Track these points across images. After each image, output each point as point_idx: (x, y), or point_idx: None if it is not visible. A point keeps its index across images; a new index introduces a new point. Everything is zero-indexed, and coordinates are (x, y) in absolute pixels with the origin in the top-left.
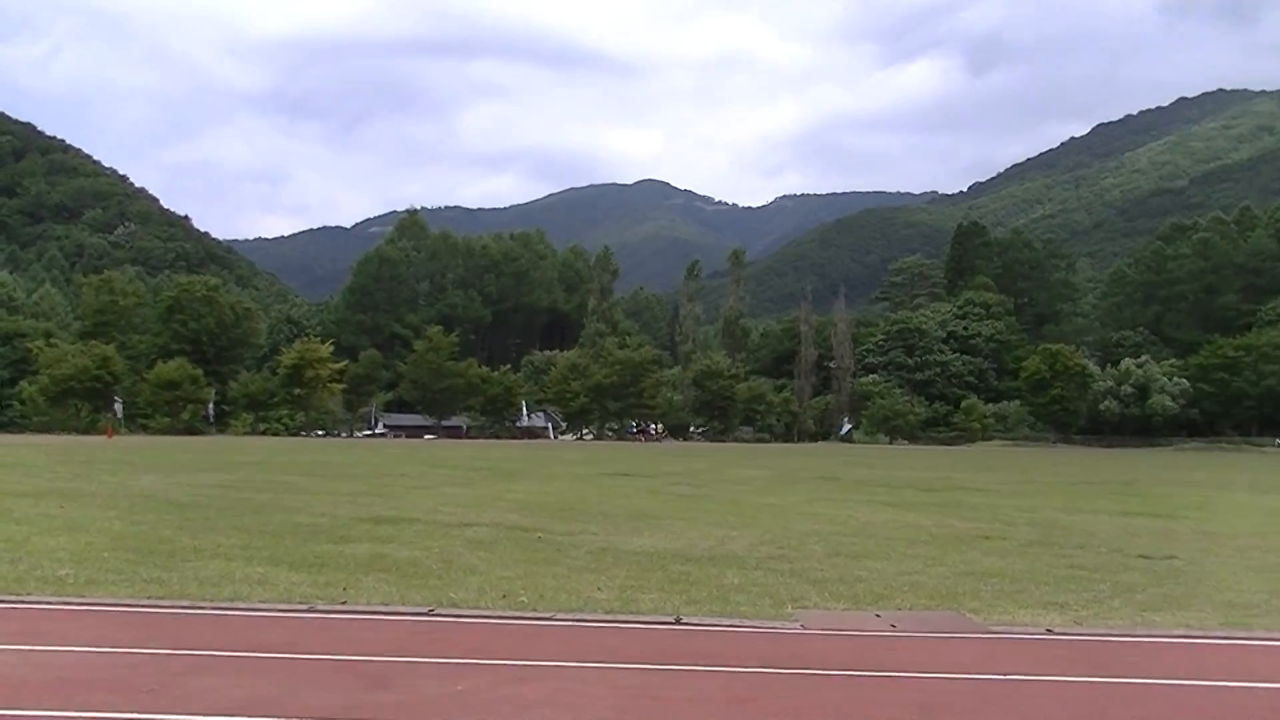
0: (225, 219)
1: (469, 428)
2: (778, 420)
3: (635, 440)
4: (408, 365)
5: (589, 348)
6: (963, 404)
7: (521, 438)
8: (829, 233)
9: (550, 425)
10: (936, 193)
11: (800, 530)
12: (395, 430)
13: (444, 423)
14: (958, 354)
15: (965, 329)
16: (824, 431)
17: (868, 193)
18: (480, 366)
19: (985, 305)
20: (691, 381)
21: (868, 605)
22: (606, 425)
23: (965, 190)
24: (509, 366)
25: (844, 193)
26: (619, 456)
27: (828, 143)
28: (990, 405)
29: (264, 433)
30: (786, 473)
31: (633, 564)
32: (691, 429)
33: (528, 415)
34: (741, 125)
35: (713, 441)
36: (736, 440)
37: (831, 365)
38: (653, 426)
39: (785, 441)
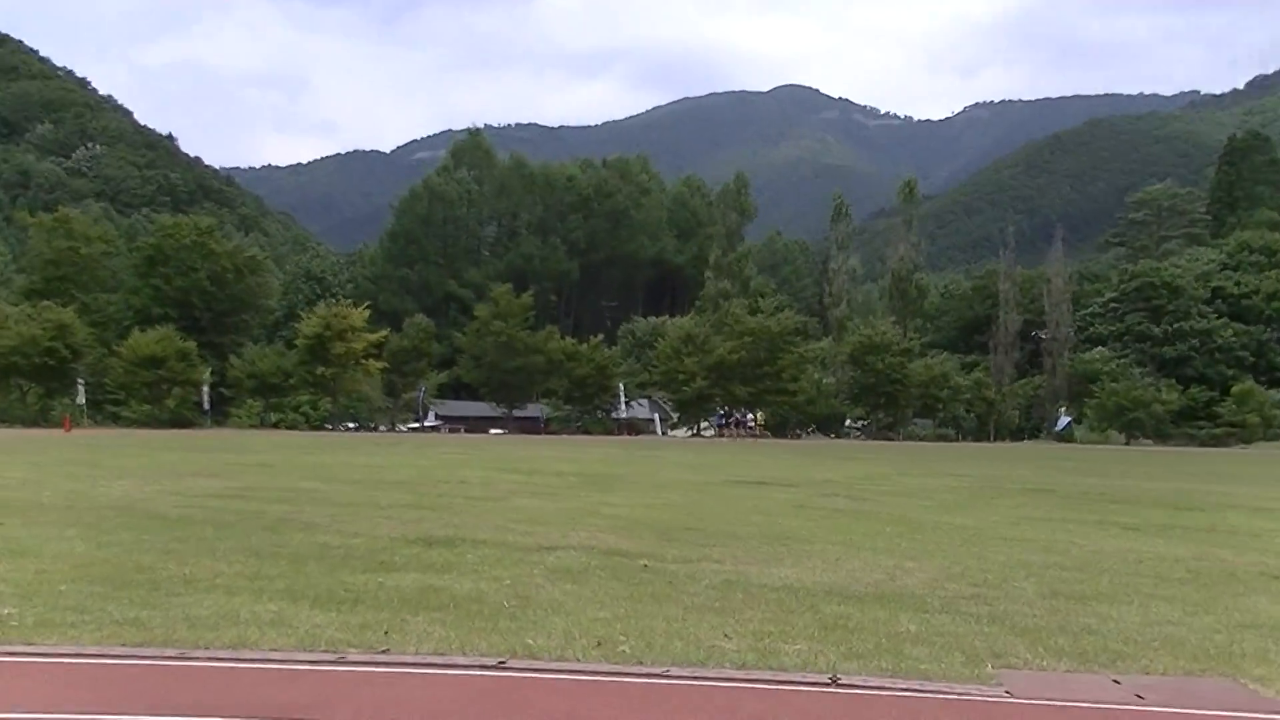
0: (224, 140)
1: (549, 420)
2: (967, 410)
3: (725, 436)
4: (467, 337)
5: (709, 313)
6: (1233, 389)
7: (620, 433)
8: (1039, 153)
9: (657, 417)
10: (1198, 93)
11: (1002, 561)
12: (451, 423)
13: (516, 413)
14: (1226, 319)
15: (1237, 285)
16: (1032, 426)
17: (1096, 96)
18: (563, 338)
19: (1268, 251)
20: (848, 358)
21: (1100, 666)
22: (731, 417)
23: (1240, 89)
24: (602, 338)
25: (1062, 97)
26: (751, 460)
27: (1041, 28)
28: (1275, 391)
29: (277, 425)
30: (982, 482)
31: (771, 603)
32: (848, 422)
33: (626, 404)
34: (920, 7)
35: (876, 439)
36: (910, 438)
37: (1042, 336)
38: (749, 416)
39: (978, 440)
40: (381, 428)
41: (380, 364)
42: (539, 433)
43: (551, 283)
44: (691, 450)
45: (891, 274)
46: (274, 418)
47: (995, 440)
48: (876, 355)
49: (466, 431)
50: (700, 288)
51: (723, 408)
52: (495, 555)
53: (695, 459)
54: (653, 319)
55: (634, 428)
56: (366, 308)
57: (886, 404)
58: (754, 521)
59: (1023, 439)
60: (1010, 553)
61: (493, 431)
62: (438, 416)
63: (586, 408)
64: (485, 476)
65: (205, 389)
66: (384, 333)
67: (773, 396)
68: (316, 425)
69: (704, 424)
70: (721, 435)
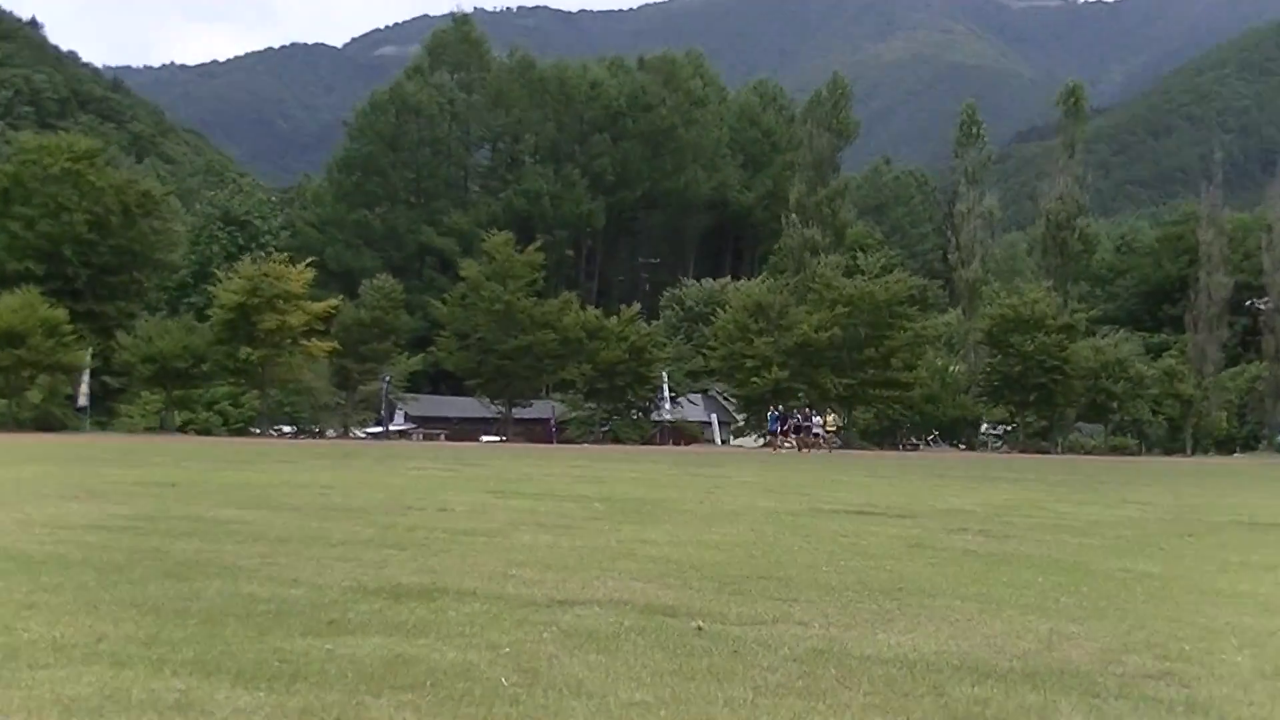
0: (109, 30)
1: (564, 423)
2: (1154, 411)
3: (775, 448)
4: (449, 306)
5: (789, 274)
6: None
7: (663, 441)
8: (1259, 46)
9: (715, 419)
10: None
11: (1203, 624)
12: (427, 426)
13: (518, 413)
14: None
15: None
16: (1247, 434)
17: None
18: (585, 308)
19: None
20: (983, 337)
21: None
22: (790, 422)
23: None
24: (638, 309)
25: None
26: (847, 480)
27: None
28: None
29: (185, 429)
30: (1175, 512)
31: (878, 681)
32: (984, 428)
33: (673, 400)
34: None
35: (1024, 452)
36: (1073, 450)
37: (1261, 305)
38: (816, 420)
39: (1170, 453)
40: (331, 433)
41: (328, 344)
42: (550, 441)
43: (568, 231)
44: (763, 465)
45: (1045, 219)
46: (180, 419)
47: (1194, 453)
48: (1024, 334)
49: (449, 438)
50: (776, 238)
51: (776, 407)
52: (489, 612)
53: (768, 478)
54: (709, 282)
55: (683, 434)
56: (309, 265)
57: (1039, 402)
58: (851, 566)
59: (1233, 451)
60: (1216, 613)
61: (485, 439)
62: (408, 417)
63: (616, 406)
64: (475, 501)
65: (84, 378)
66: (334, 301)
67: (877, 391)
68: (239, 429)
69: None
70: (773, 447)
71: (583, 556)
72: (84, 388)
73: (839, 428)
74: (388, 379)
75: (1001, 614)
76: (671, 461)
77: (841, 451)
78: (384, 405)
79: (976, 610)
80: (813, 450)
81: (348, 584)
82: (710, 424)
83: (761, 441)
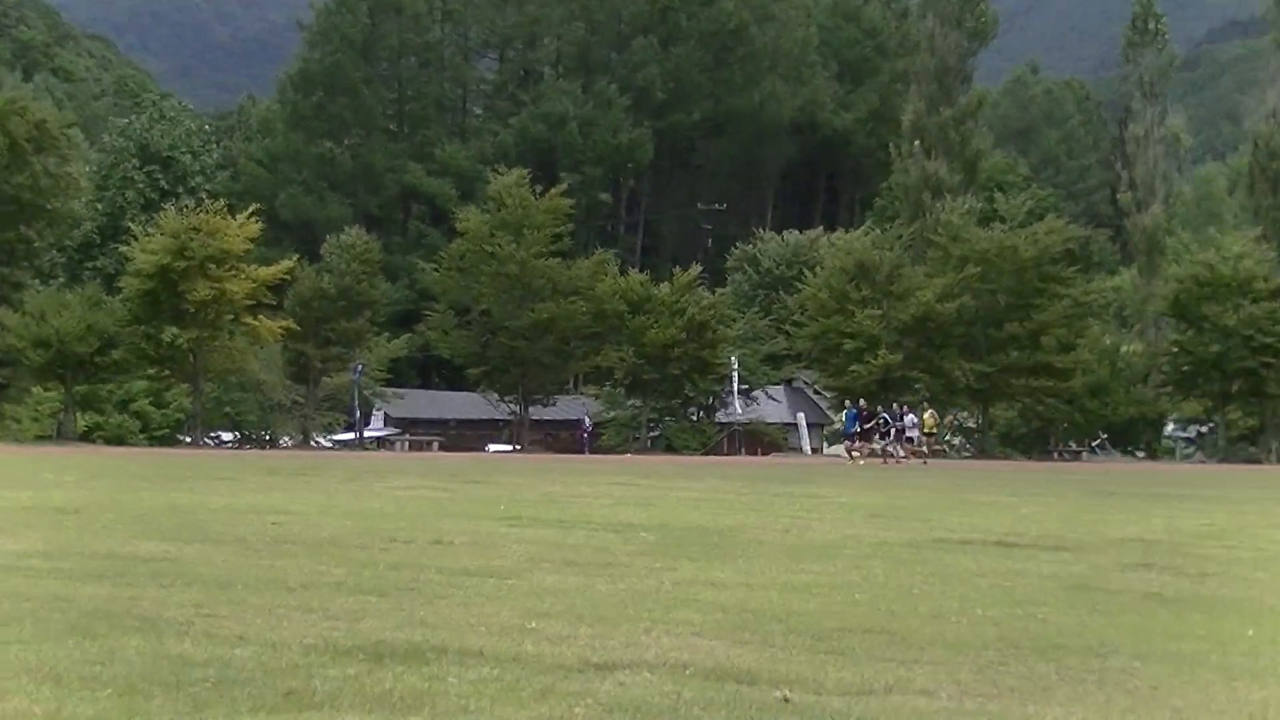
0: None
1: (598, 427)
2: None
3: (851, 456)
4: (443, 271)
5: (904, 222)
6: None
7: (733, 450)
8: None
9: (802, 419)
10: None
11: None
12: (416, 431)
13: (536, 415)
14: None
15: None
16: None
17: None
18: (626, 272)
19: None
20: (1168, 307)
21: None
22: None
23: None
24: (700, 272)
25: None
26: (983, 500)
27: None
28: None
29: (92, 436)
30: None
31: None
32: (1169, 428)
33: (743, 395)
34: None
35: (1225, 461)
36: None
37: None
38: (908, 416)
39: None
40: (286, 441)
41: (281, 323)
42: (581, 450)
43: (603, 168)
44: (867, 482)
45: (1253, 145)
46: (84, 423)
47: None
48: (1224, 302)
49: (444, 448)
50: (885, 174)
51: (855, 402)
52: (501, 680)
53: (876, 498)
54: (793, 235)
55: (759, 440)
56: (255, 216)
57: (1244, 394)
58: (991, 616)
59: None
60: None
61: (493, 448)
62: (390, 420)
63: (670, 404)
64: (482, 532)
65: None
66: (288, 264)
67: (1022, 381)
68: (163, 437)
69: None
70: (848, 455)
71: (626, 604)
72: None
73: (936, 430)
74: (360, 369)
75: (1196, 679)
76: (744, 477)
77: (972, 462)
78: (356, 404)
79: (1164, 674)
80: (905, 460)
81: (311, 642)
82: (796, 426)
83: (867, 450)
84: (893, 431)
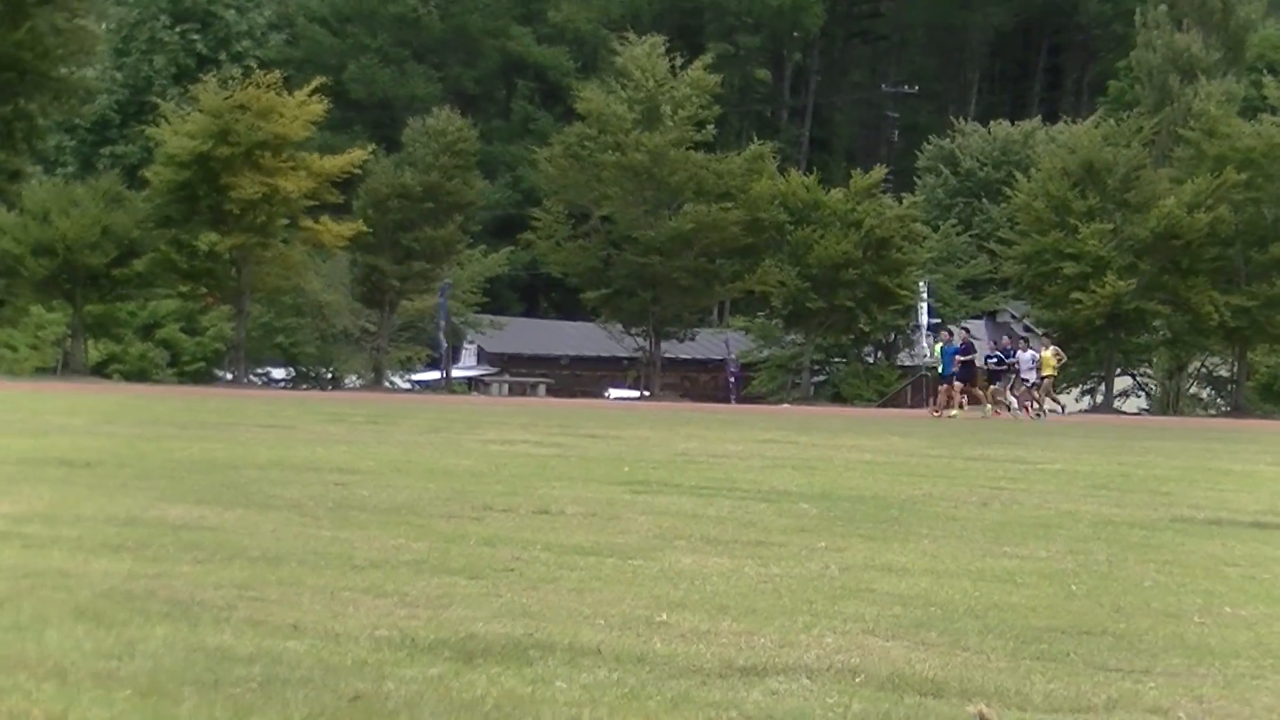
0: None
1: (748, 369)
2: None
3: (937, 409)
4: (555, 161)
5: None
6: None
7: (923, 402)
8: None
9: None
10: None
11: None
12: (517, 371)
13: (671, 351)
14: None
15: None
16: None
17: None
18: (787, 170)
19: None
20: None
21: None
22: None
23: None
24: (883, 173)
25: None
26: (1230, 467)
27: None
28: None
29: (108, 369)
30: None
31: None
32: None
33: (936, 330)
34: None
35: None
36: None
37: None
38: (1023, 354)
39: None
40: (354, 380)
41: (350, 227)
42: (726, 399)
43: (760, 36)
44: (1087, 442)
45: None
46: (97, 352)
47: None
48: None
49: (552, 392)
50: (1120, 51)
51: (949, 334)
52: (624, 685)
53: (1099, 463)
54: (1003, 126)
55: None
56: (316, 91)
57: None
58: (1243, 617)
59: None
60: None
61: (614, 393)
62: (485, 356)
63: (840, 341)
64: (599, 499)
65: None
66: (359, 153)
67: None
68: (197, 372)
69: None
70: (934, 408)
71: (781, 593)
72: None
73: (1057, 373)
74: (446, 289)
75: None
76: (932, 435)
77: (1223, 421)
78: (443, 335)
79: None
80: (1019, 413)
81: (383, 634)
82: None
83: (1086, 403)
84: (1001, 374)
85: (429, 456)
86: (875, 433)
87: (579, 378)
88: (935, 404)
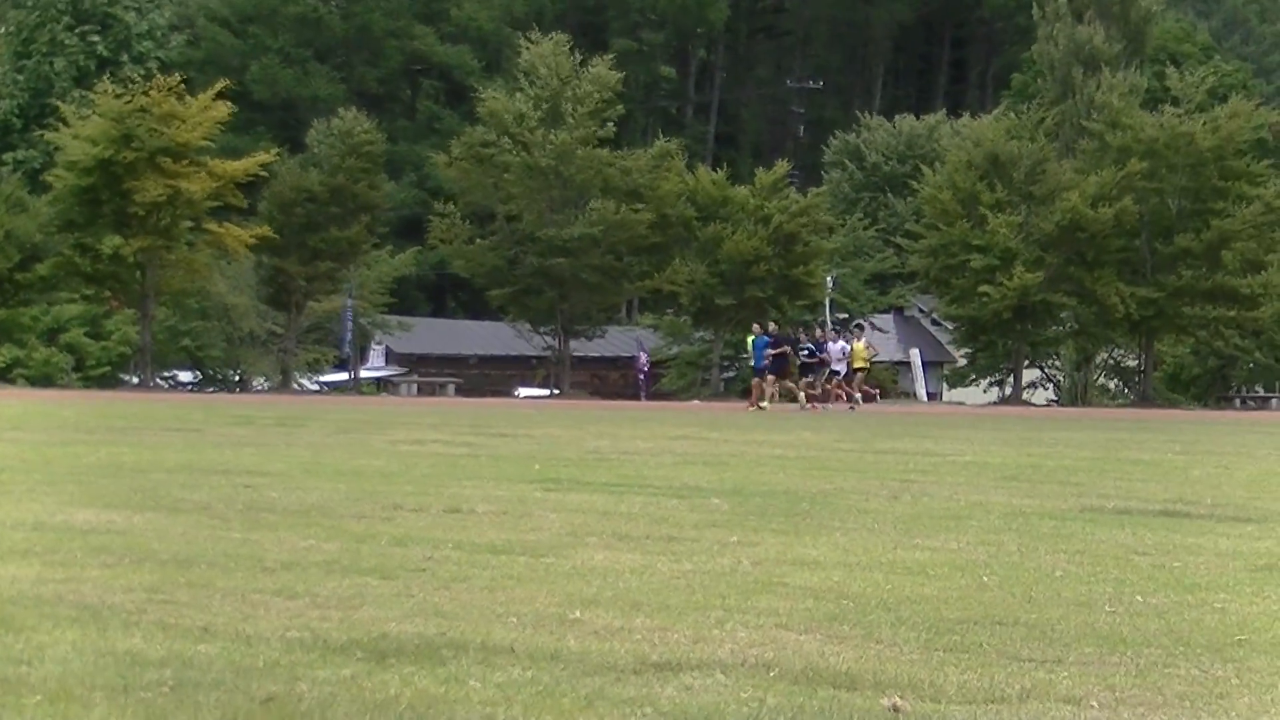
0: None
1: (658, 366)
2: None
3: (753, 402)
4: (459, 161)
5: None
6: None
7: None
8: None
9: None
10: None
11: None
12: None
13: (580, 349)
14: None
15: None
16: None
17: None
18: (694, 167)
19: None
20: None
21: None
22: None
23: None
24: (788, 167)
25: None
26: (1139, 456)
27: None
28: None
29: (11, 373)
30: None
31: None
32: None
33: (843, 327)
34: None
35: None
36: None
37: None
38: (832, 346)
39: None
40: (261, 382)
41: (255, 230)
42: (638, 396)
43: (666, 34)
44: (996, 432)
45: None
46: (1, 358)
47: None
48: None
49: (461, 391)
50: (1024, 42)
51: (766, 328)
52: (537, 683)
53: (1010, 455)
54: (908, 121)
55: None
56: (219, 93)
57: None
58: (1154, 605)
59: None
60: None
61: (524, 392)
62: (393, 356)
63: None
64: (510, 496)
65: None
66: (264, 155)
67: (1197, 310)
68: (103, 377)
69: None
70: (751, 401)
71: (694, 589)
72: None
73: (870, 364)
74: (352, 291)
75: None
76: (842, 429)
77: (1130, 411)
78: (349, 336)
79: None
80: (824, 405)
81: (295, 635)
82: (910, 366)
83: (994, 395)
84: (813, 367)
85: (338, 458)
86: (786, 428)
87: (488, 377)
88: (755, 396)
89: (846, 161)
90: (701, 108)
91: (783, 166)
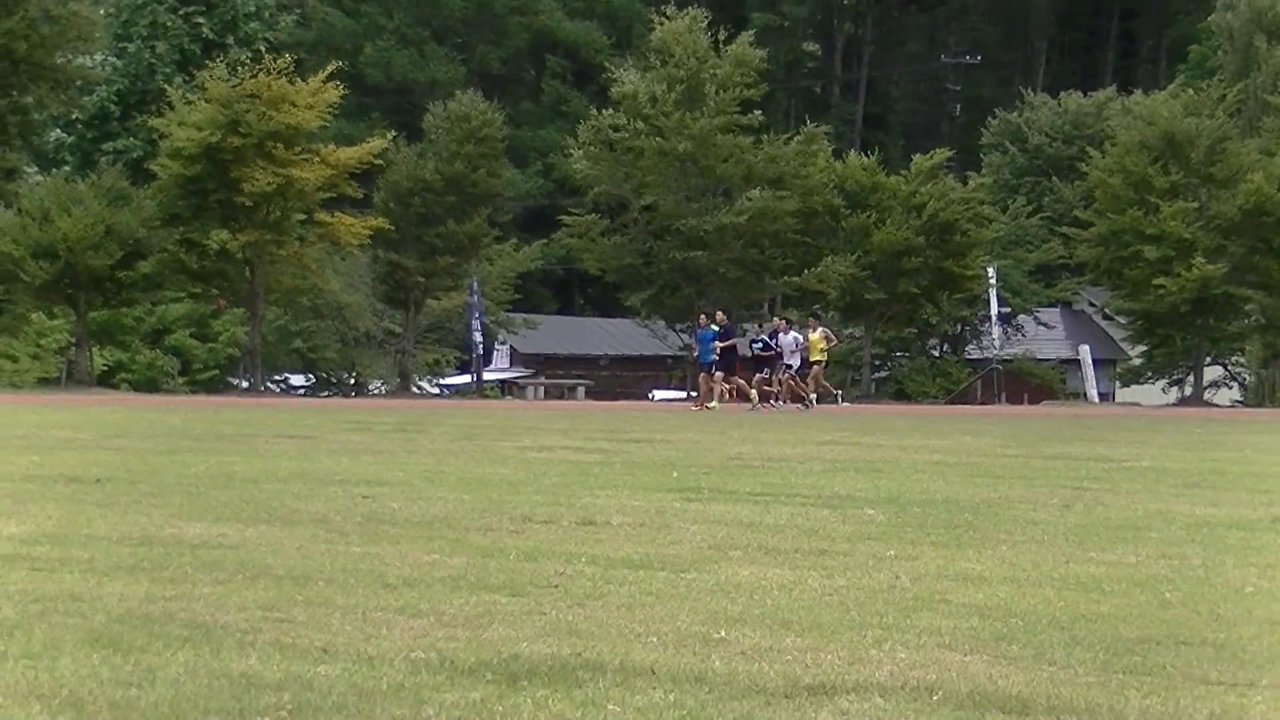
0: None
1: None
2: None
3: (700, 402)
4: (588, 148)
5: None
6: None
7: (994, 398)
8: None
9: (1087, 355)
10: None
11: None
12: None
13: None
14: None
15: None
16: None
17: None
18: (842, 154)
19: None
20: None
21: None
22: None
23: None
24: (946, 154)
25: None
26: None
27: None
28: None
29: (114, 378)
30: None
31: None
32: None
33: (1005, 321)
34: None
35: None
36: None
37: None
38: (784, 336)
39: None
40: (378, 386)
41: (370, 223)
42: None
43: (809, 7)
44: (1181, 435)
45: None
46: (102, 361)
47: None
48: None
49: (592, 394)
50: (1197, 14)
51: (712, 318)
52: (682, 708)
53: (1190, 459)
54: (1073, 98)
55: (1027, 382)
56: (331, 76)
57: None
58: None
59: None
60: None
61: (658, 395)
62: (518, 357)
63: (902, 334)
64: (647, 507)
65: None
66: (378, 141)
67: None
68: (209, 381)
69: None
70: (698, 400)
71: (848, 606)
72: None
73: (826, 357)
74: (476, 285)
75: None
76: (1006, 433)
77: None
78: (473, 336)
79: None
80: (778, 403)
81: (420, 656)
82: (1080, 364)
83: (1173, 395)
84: (767, 361)
85: (462, 465)
86: (944, 432)
87: (620, 378)
88: (704, 395)
89: (1007, 144)
90: (848, 87)
91: (941, 153)
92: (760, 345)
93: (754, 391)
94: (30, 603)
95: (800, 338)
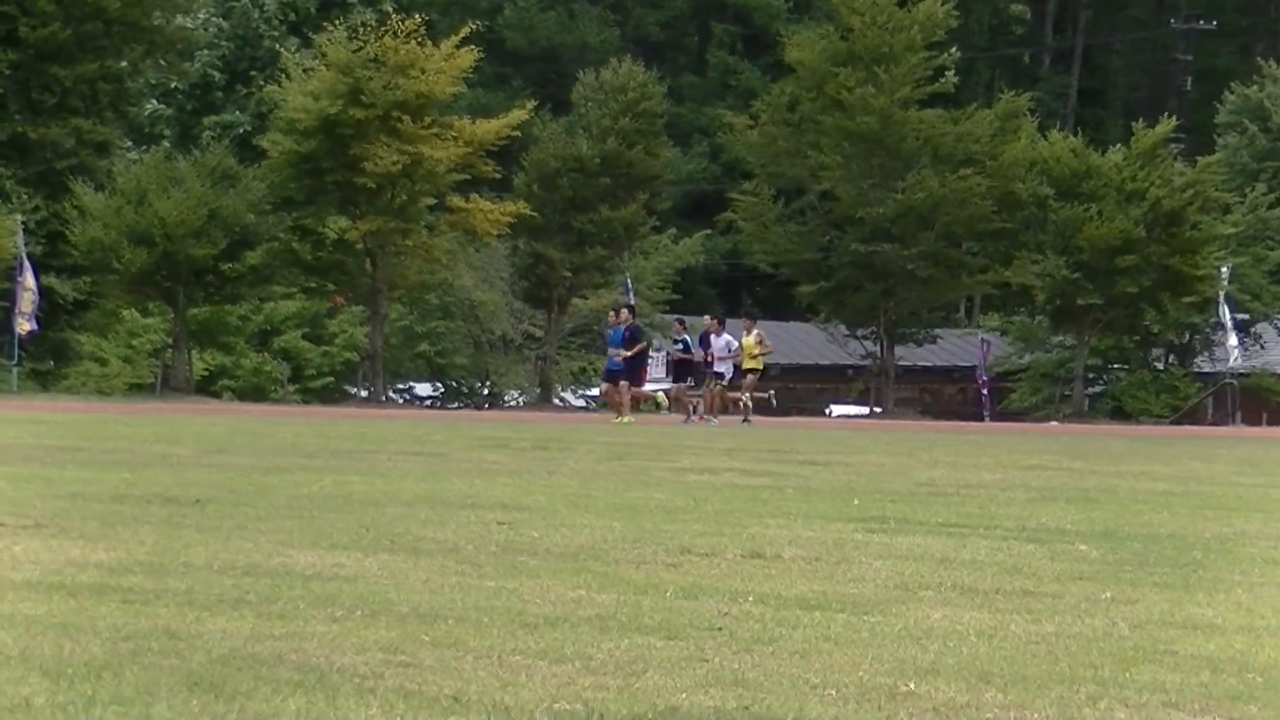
0: None
1: (1003, 378)
2: None
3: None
4: (759, 123)
5: None
6: None
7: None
8: None
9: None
10: None
11: None
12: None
13: (906, 356)
14: None
15: None
16: None
17: None
18: (1047, 131)
19: None
20: None
21: None
22: None
23: None
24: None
25: None
26: None
27: None
28: None
29: (216, 385)
30: None
31: None
32: None
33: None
34: None
35: None
36: None
37: None
38: (716, 340)
39: None
40: (515, 397)
41: (509, 208)
42: (976, 415)
43: None
44: None
45: None
46: (202, 365)
47: None
48: None
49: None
50: None
51: (681, 325)
52: None
53: None
54: None
55: (1268, 400)
56: (465, 40)
57: None
58: None
59: None
60: None
61: (836, 410)
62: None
63: (1120, 343)
64: (825, 540)
65: (21, 280)
66: (519, 113)
67: None
68: (322, 389)
69: None
70: (621, 413)
71: (1058, 657)
72: (23, 299)
73: (759, 363)
74: (631, 285)
75: None
76: (1242, 458)
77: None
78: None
79: None
80: (710, 416)
81: (564, 707)
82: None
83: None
84: (696, 367)
85: (612, 489)
86: (1168, 456)
87: (793, 391)
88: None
89: (1246, 122)
90: (1061, 56)
91: (1167, 124)
92: (681, 347)
93: (688, 405)
94: (121, 640)
95: (732, 341)
